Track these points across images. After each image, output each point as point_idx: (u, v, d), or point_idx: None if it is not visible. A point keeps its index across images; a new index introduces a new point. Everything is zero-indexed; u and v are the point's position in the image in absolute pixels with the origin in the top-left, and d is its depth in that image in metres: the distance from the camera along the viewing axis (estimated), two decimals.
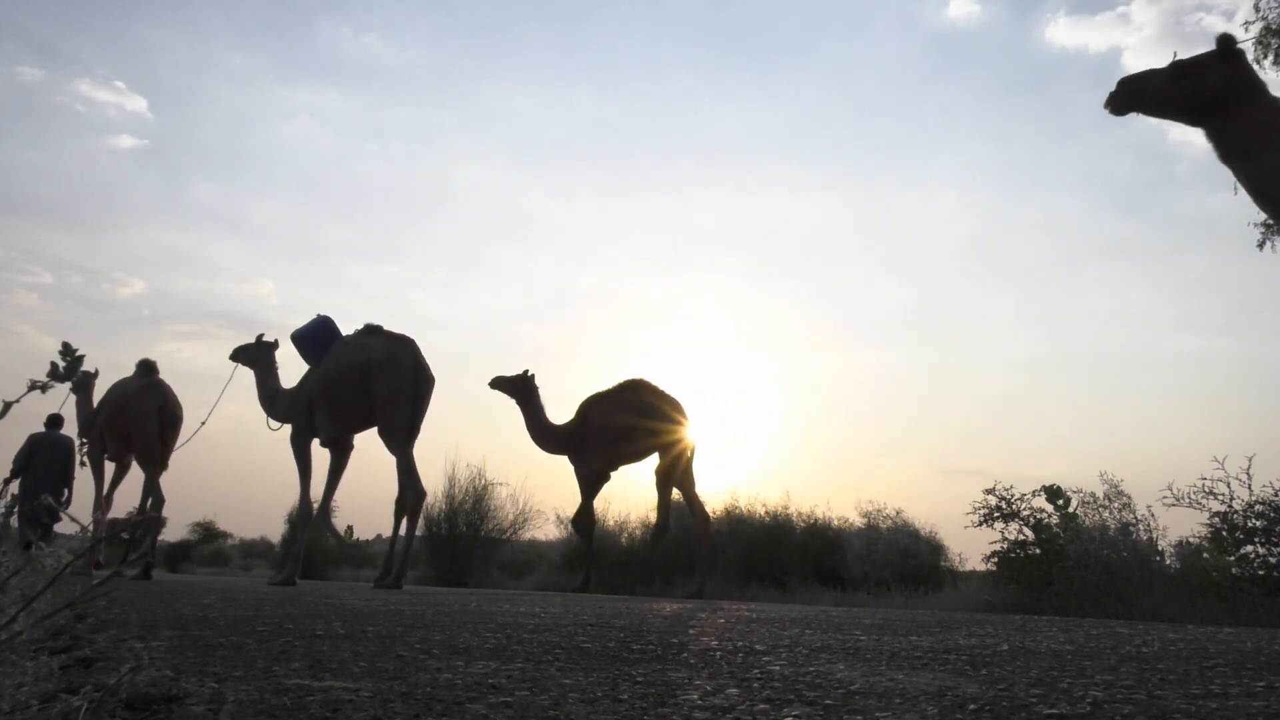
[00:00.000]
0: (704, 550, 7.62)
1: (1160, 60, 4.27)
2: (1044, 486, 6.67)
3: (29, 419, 10.87)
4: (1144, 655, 2.18)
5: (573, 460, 7.93)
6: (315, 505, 7.79)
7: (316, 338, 7.55)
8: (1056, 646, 2.36)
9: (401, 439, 6.94)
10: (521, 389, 8.15)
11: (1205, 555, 5.89)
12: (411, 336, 7.32)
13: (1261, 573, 5.44)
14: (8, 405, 1.17)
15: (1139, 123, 4.46)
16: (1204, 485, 5.77)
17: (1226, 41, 3.85)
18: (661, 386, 7.73)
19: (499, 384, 8.22)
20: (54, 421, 9.35)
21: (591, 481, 7.87)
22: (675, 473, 7.56)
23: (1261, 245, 9.89)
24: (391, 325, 7.59)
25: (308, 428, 7.42)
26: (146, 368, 8.75)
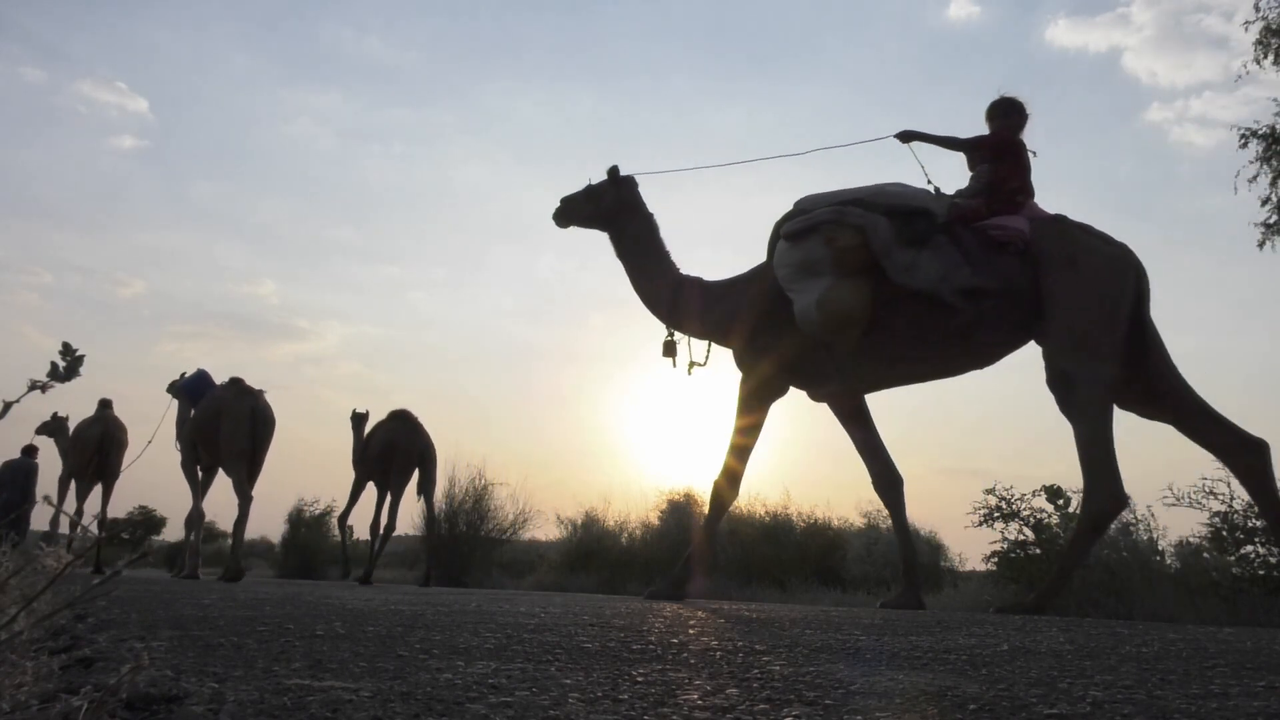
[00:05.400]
0: (433, 545, 10.29)
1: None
2: (1044, 486, 6.67)
3: (30, 419, 11.58)
4: (1144, 655, 2.18)
5: (359, 474, 9.94)
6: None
7: (193, 388, 9.37)
8: (1056, 646, 2.36)
9: (237, 467, 8.73)
10: (357, 425, 10.13)
11: (1205, 555, 5.89)
12: (260, 389, 9.10)
13: (1261, 573, 5.45)
14: (8, 405, 1.17)
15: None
16: (1204, 485, 5.79)
17: (613, 171, 5.30)
18: (417, 417, 9.84)
19: (352, 422, 10.20)
20: (28, 451, 11.03)
21: (361, 487, 9.93)
22: (425, 484, 9.89)
23: (1261, 245, 9.89)
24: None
25: (193, 457, 9.19)
26: (102, 404, 10.62)
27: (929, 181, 4.93)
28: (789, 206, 5.02)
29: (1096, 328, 4.39)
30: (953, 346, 4.64)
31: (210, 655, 1.84)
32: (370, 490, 9.94)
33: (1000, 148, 4.81)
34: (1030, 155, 4.86)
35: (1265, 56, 9.71)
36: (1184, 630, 3.17)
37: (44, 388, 1.17)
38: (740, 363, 5.04)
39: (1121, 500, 4.35)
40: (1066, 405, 4.56)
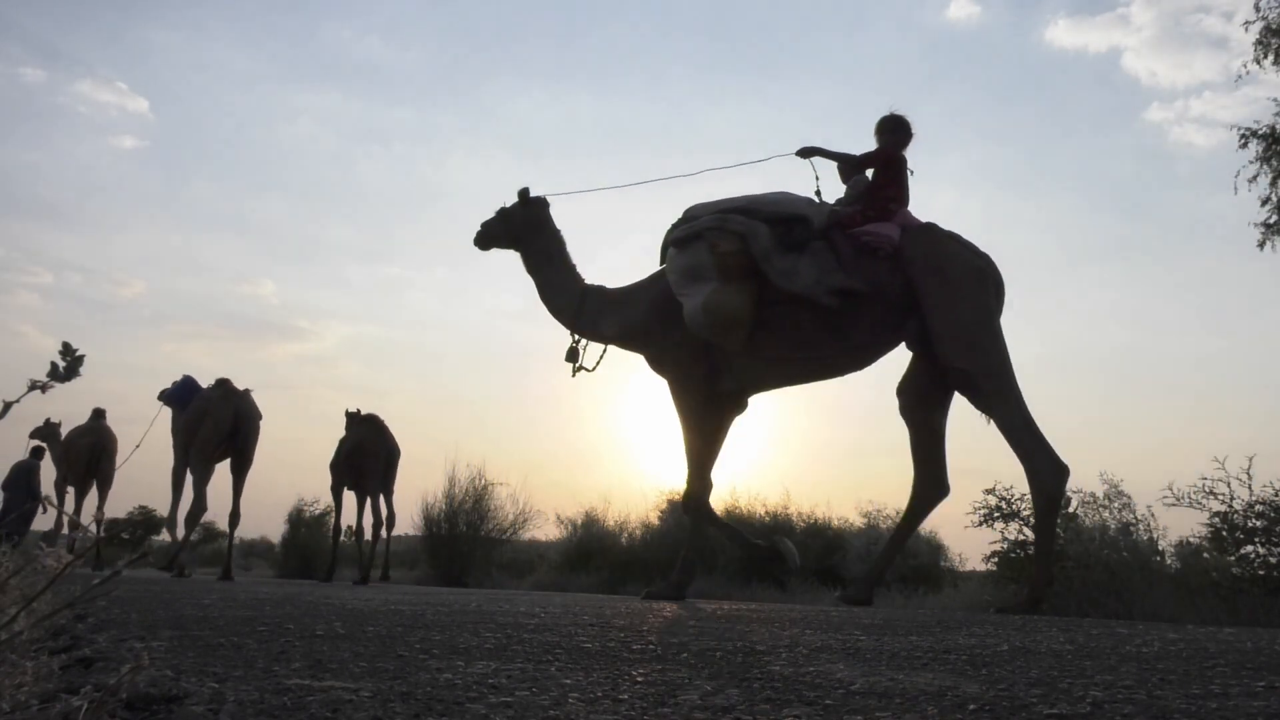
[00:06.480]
0: (384, 543, 10.34)
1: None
2: None
3: (31, 419, 11.92)
4: (1144, 655, 2.18)
5: (334, 479, 10.24)
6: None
7: (180, 395, 9.53)
8: (1056, 646, 2.37)
9: (202, 468, 8.99)
10: (351, 424, 10.43)
11: (1205, 555, 5.88)
12: (246, 389, 9.32)
13: (1261, 573, 5.44)
14: (8, 405, 1.17)
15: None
16: (1204, 485, 5.77)
17: (524, 192, 5.66)
18: (385, 421, 10.12)
19: (347, 420, 10.52)
20: (35, 453, 11.54)
21: (339, 491, 10.24)
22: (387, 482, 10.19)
23: (1262, 245, 9.87)
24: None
25: (184, 461, 9.32)
26: (95, 413, 11.22)
27: (817, 190, 5.25)
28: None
29: (978, 326, 4.76)
30: (831, 347, 4.95)
31: (210, 655, 1.84)
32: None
33: (886, 162, 5.15)
34: (909, 172, 5.21)
35: (1265, 56, 9.68)
36: (1184, 630, 3.17)
37: (44, 388, 1.17)
38: (652, 365, 5.34)
39: (1064, 469, 4.62)
40: (910, 412, 5.09)
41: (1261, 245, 9.85)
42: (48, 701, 1.17)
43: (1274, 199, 9.69)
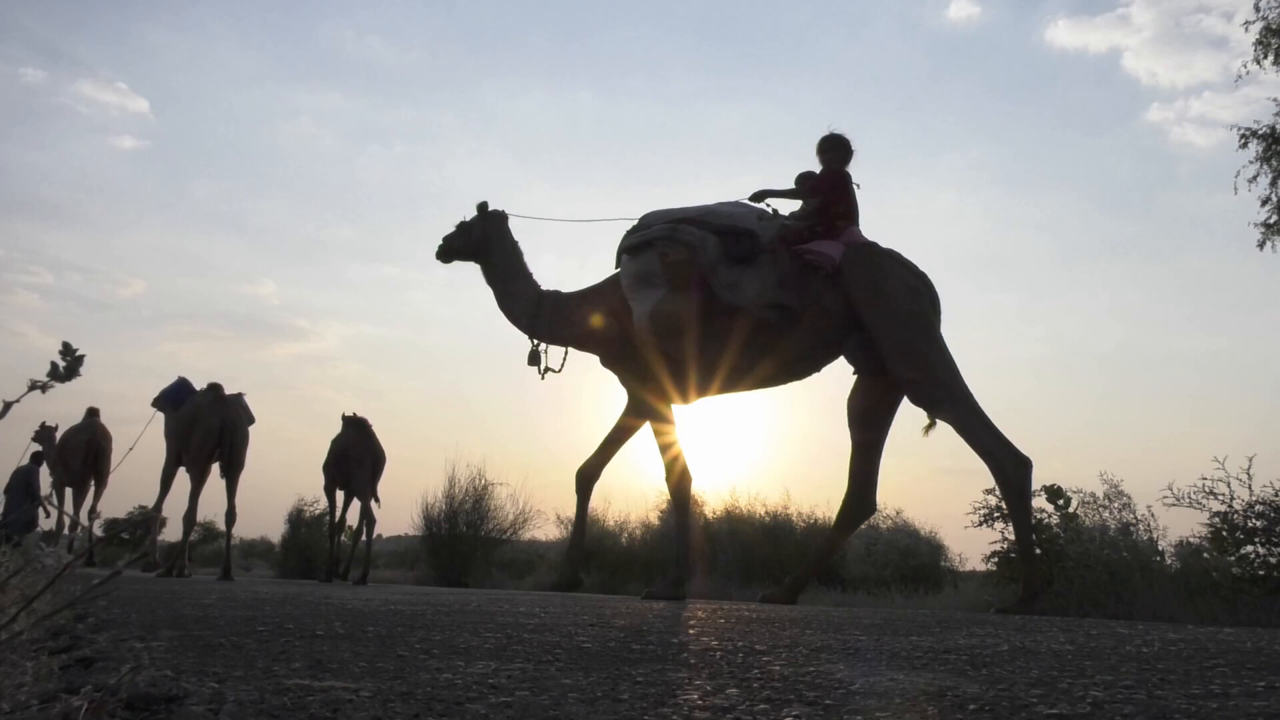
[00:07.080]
0: (367, 545, 10.24)
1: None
2: (1044, 486, 6.65)
3: (32, 419, 11.99)
4: (1144, 655, 2.18)
5: (326, 480, 10.41)
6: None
7: (174, 397, 9.65)
8: (1056, 646, 2.36)
9: (197, 476, 9.11)
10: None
11: (1205, 555, 5.88)
12: (236, 395, 9.31)
13: (1261, 573, 5.44)
14: (8, 405, 1.17)
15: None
16: (1204, 485, 5.77)
17: (482, 206, 5.89)
18: (372, 426, 10.14)
19: (343, 424, 10.65)
20: (35, 458, 11.70)
21: (331, 491, 10.38)
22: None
23: (1261, 245, 9.88)
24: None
25: (176, 460, 9.49)
26: (90, 412, 11.45)
27: (771, 208, 5.48)
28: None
29: (921, 338, 4.96)
30: (769, 358, 5.14)
31: (210, 655, 1.84)
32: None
33: (832, 182, 5.37)
34: (855, 186, 5.43)
35: (1265, 56, 9.68)
36: (1184, 630, 3.17)
37: (44, 388, 1.17)
38: (605, 364, 5.52)
39: (1026, 462, 4.79)
40: (852, 428, 5.26)
41: (1261, 245, 9.85)
42: (48, 701, 1.17)
43: (1274, 199, 9.69)
